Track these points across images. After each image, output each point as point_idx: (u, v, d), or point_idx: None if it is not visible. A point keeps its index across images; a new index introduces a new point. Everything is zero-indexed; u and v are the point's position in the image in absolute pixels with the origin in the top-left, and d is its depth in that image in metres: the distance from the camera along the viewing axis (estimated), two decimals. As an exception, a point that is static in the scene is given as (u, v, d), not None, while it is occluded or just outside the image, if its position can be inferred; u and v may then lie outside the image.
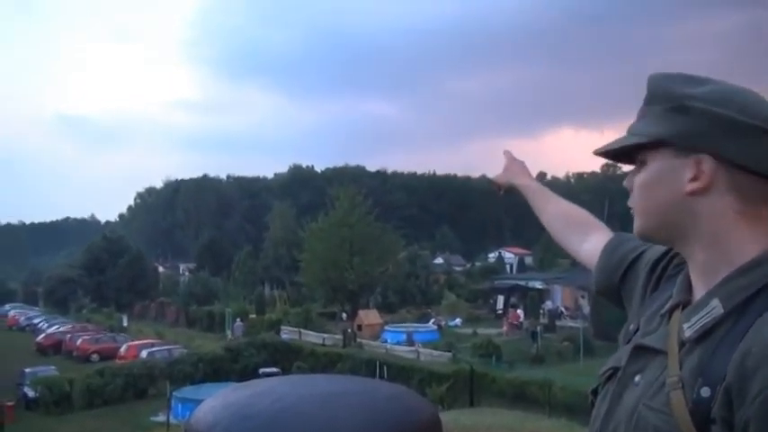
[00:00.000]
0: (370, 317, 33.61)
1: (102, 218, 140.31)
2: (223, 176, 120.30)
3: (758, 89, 0.94)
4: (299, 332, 30.80)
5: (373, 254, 35.11)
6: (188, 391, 20.03)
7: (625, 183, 1.01)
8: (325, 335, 30.03)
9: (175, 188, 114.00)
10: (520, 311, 34.53)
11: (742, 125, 0.87)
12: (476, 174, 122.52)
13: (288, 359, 24.97)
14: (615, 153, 1.01)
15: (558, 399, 17.62)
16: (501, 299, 40.28)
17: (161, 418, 19.19)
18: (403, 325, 33.32)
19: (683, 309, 0.93)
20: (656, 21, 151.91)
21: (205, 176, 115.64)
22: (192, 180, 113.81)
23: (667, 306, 0.96)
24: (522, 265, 68.23)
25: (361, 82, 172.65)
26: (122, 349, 29.18)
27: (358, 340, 28.90)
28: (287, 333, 31.13)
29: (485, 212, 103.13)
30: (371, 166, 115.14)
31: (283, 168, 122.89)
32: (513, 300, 38.69)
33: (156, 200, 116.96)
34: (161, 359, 25.09)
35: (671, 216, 0.93)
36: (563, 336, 27.90)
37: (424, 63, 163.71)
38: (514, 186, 1.61)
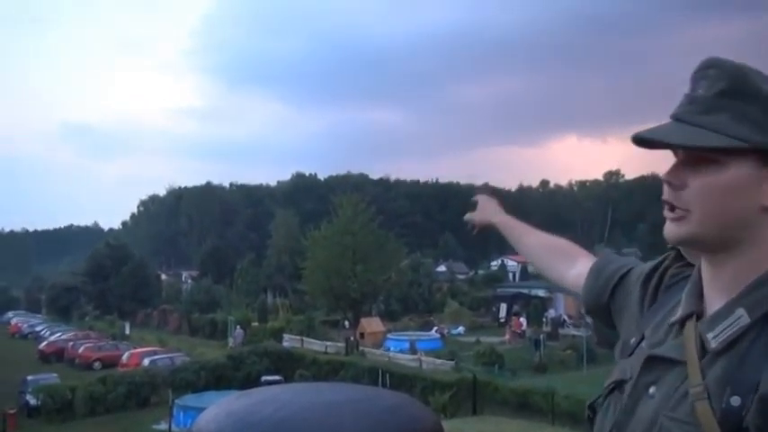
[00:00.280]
0: (372, 325, 33.55)
1: (106, 225, 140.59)
2: (226, 184, 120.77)
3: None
4: (302, 340, 30.76)
5: (376, 262, 35.08)
6: (190, 399, 19.99)
7: (670, 176, 0.90)
8: (328, 343, 29.99)
9: (178, 196, 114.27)
10: (522, 319, 34.45)
11: None
12: (479, 182, 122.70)
13: (290, 367, 24.92)
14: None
15: (561, 407, 17.54)
16: (504, 307, 40.19)
17: (163, 426, 19.17)
18: (405, 333, 33.27)
19: (697, 319, 0.91)
20: (658, 28, 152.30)
21: (208, 184, 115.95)
22: (195, 188, 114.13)
23: (677, 316, 0.94)
24: (524, 273, 67.97)
25: (365, 90, 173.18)
26: (125, 357, 29.15)
27: (360, 348, 28.84)
28: (288, 341, 31.08)
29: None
30: (374, 174, 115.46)
31: (286, 176, 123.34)
32: (515, 308, 38.60)
33: (160, 207, 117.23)
34: (163, 367, 25.06)
35: (735, 226, 0.87)
36: (566, 344, 27.84)
37: (428, 71, 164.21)
38: (491, 224, 1.65)
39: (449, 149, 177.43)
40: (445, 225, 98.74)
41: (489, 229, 1.67)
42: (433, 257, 68.63)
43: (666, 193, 0.90)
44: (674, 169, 0.89)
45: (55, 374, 25.80)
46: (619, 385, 0.98)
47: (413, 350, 27.37)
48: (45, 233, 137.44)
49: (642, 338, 1.00)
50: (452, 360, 24.61)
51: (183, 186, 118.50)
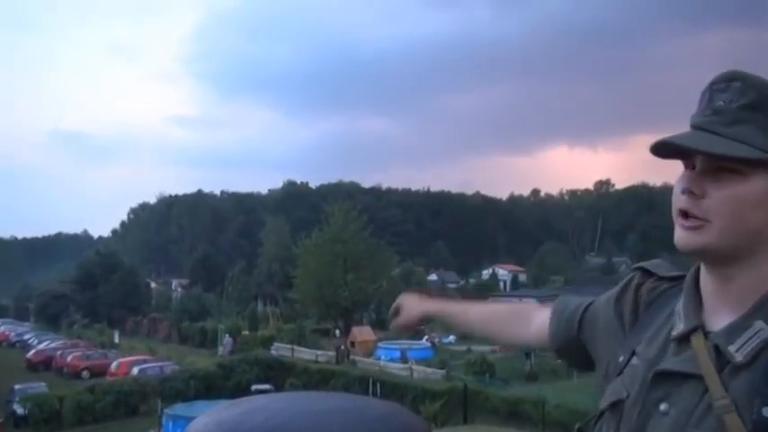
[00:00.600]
0: (363, 334, 33.46)
1: (96, 233, 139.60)
2: (217, 192, 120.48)
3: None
4: (293, 349, 30.63)
5: (367, 270, 35.05)
6: (180, 409, 19.80)
7: (691, 185, 0.88)
8: (319, 351, 29.88)
9: (169, 203, 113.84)
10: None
11: None
12: (470, 190, 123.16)
13: (281, 376, 24.80)
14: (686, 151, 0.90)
15: (551, 416, 17.54)
16: (495, 316, 40.19)
17: (152, 435, 18.99)
18: (396, 342, 33.18)
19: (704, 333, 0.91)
20: (650, 39, 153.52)
21: (199, 192, 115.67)
22: (186, 195, 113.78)
23: (680, 330, 0.93)
24: (515, 282, 68.19)
25: (357, 98, 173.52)
26: (113, 366, 28.91)
27: (351, 357, 28.75)
28: (275, 350, 30.92)
29: (479, 229, 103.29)
30: (366, 183, 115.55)
31: (278, 184, 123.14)
32: (507, 317, 38.63)
33: (150, 215, 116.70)
34: (152, 376, 24.87)
35: (751, 239, 0.87)
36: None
37: (420, 80, 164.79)
38: (427, 315, 1.57)
39: (440, 158, 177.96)
40: (437, 234, 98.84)
41: (421, 323, 1.61)
42: (424, 266, 68.70)
43: (684, 202, 0.89)
44: (695, 178, 0.88)
45: (43, 383, 25.55)
46: (614, 406, 0.96)
47: (404, 359, 27.32)
48: (34, 241, 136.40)
49: (632, 355, 0.99)
50: (443, 369, 24.58)
51: (173, 194, 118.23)
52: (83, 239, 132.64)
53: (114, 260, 58.81)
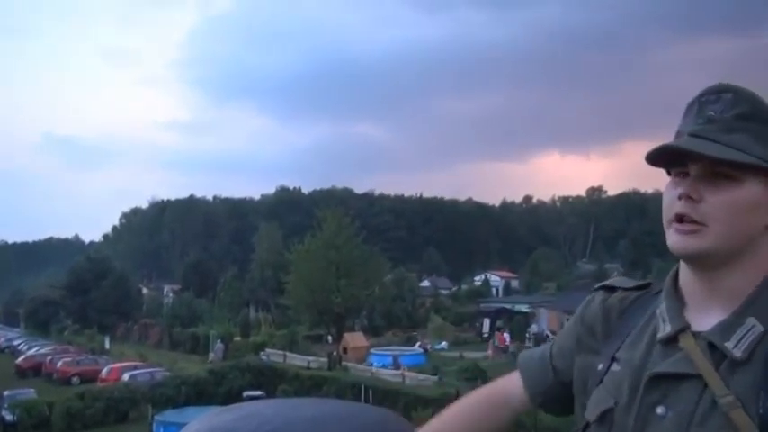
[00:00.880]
0: (355, 340, 33.40)
1: (87, 238, 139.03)
2: (210, 197, 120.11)
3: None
4: (284, 355, 30.53)
5: (360, 276, 35.02)
6: (170, 415, 19.70)
7: (689, 190, 0.91)
8: (311, 358, 29.78)
9: (161, 209, 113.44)
10: (506, 335, 34.51)
11: None
12: (463, 197, 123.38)
13: (272, 382, 24.71)
14: (673, 156, 0.94)
15: (544, 422, 17.53)
16: (487, 322, 40.25)
17: (143, 442, 18.88)
18: (389, 348, 33.16)
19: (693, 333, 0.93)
20: (643, 46, 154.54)
21: (192, 197, 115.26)
22: (178, 201, 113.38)
23: (667, 332, 0.94)
24: (508, 289, 68.32)
25: (349, 104, 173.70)
26: (104, 372, 28.73)
27: (343, 363, 28.67)
28: (265, 355, 30.79)
29: (472, 235, 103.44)
30: (359, 189, 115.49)
31: (270, 190, 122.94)
32: (499, 323, 38.67)
33: (142, 220, 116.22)
34: (143, 382, 24.73)
35: (745, 242, 0.91)
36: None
37: (413, 85, 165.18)
38: None
39: (433, 164, 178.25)
40: (429, 240, 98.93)
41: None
42: (416, 272, 68.65)
43: (682, 207, 0.91)
44: (692, 184, 0.91)
45: (32, 389, 25.37)
46: (602, 416, 0.96)
47: (396, 365, 27.27)
48: (24, 246, 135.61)
49: (612, 362, 1.00)
50: (435, 375, 24.55)
51: (165, 199, 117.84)
52: (74, 244, 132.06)
53: (105, 265, 58.53)
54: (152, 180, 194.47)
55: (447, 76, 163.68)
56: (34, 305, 57.32)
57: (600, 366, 1.01)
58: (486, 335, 38.08)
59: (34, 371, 33.32)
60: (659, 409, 0.90)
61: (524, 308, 40.27)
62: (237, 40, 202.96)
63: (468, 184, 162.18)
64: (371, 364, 28.61)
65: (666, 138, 0.98)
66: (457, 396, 18.64)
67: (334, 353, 29.99)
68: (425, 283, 68.32)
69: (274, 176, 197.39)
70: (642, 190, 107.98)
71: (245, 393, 21.13)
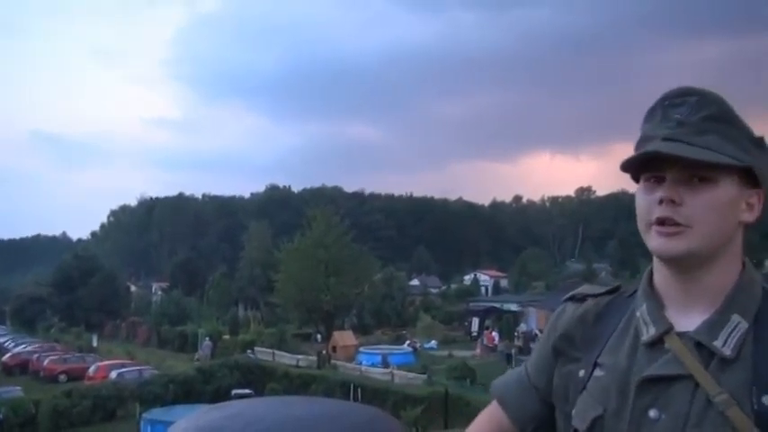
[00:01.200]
0: (345, 338, 33.38)
1: (75, 236, 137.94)
2: (199, 195, 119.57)
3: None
4: (273, 353, 30.47)
5: (349, 275, 34.99)
6: (158, 413, 19.58)
7: (670, 193, 0.92)
8: (300, 356, 29.73)
9: (150, 206, 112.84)
10: (495, 334, 34.60)
11: None
12: (453, 196, 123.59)
13: (261, 380, 24.64)
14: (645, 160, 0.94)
15: None
16: (476, 321, 40.33)
17: (130, 441, 18.79)
18: (378, 347, 33.14)
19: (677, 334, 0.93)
20: (633, 48, 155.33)
21: (181, 195, 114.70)
22: (167, 198, 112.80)
23: (651, 335, 0.95)
24: (497, 288, 68.48)
25: (340, 104, 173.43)
26: (91, 370, 28.55)
27: (332, 362, 28.65)
28: (251, 353, 30.68)
29: (461, 235, 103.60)
30: (349, 188, 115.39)
31: (260, 188, 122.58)
32: (488, 322, 38.76)
33: (131, 218, 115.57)
34: (131, 380, 24.59)
35: (724, 240, 0.94)
36: (538, 359, 27.97)
37: (404, 86, 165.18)
38: None
39: (423, 164, 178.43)
40: (419, 239, 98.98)
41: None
42: (406, 271, 68.68)
43: (663, 210, 0.92)
44: (671, 187, 0.92)
45: (18, 387, 25.18)
46: (593, 424, 0.96)
47: (385, 364, 27.27)
48: (11, 243, 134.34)
49: (594, 368, 0.99)
50: (424, 374, 24.57)
51: (154, 197, 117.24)
52: (61, 242, 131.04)
53: (93, 263, 58.16)
54: (141, 178, 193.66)
55: (438, 76, 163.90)
56: (21, 302, 56.82)
57: (581, 373, 1.01)
58: (475, 334, 38.15)
59: (21, 369, 33.06)
60: (652, 413, 0.90)
61: (513, 307, 40.36)
62: (227, 39, 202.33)
63: (458, 183, 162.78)
64: (360, 363, 28.59)
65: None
66: (446, 395, 18.56)
67: (323, 351, 29.96)
68: (415, 282, 68.37)
69: (264, 175, 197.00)
70: (631, 191, 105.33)
71: (234, 392, 21.07)
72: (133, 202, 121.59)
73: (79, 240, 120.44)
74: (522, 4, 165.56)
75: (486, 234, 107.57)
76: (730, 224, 0.93)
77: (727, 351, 0.88)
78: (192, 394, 23.29)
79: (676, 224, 0.91)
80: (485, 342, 33.50)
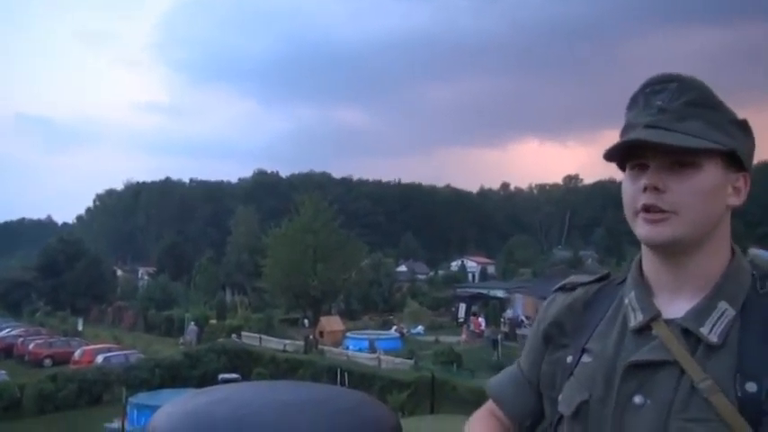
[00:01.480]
0: (332, 324, 33.44)
1: (60, 219, 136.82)
2: (186, 180, 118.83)
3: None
4: (260, 338, 30.48)
5: (337, 261, 35.00)
6: (145, 398, 19.57)
7: (654, 180, 0.92)
8: (287, 341, 29.76)
9: (137, 191, 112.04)
10: (481, 319, 34.80)
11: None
12: (441, 183, 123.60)
13: (248, 365, 24.66)
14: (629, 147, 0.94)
15: None
16: (463, 307, 40.50)
17: (116, 425, 18.72)
18: (365, 332, 33.25)
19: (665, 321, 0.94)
20: (623, 36, 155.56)
21: (168, 180, 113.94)
22: (154, 183, 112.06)
23: (639, 321, 0.95)
24: (484, 275, 68.76)
25: (329, 89, 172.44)
26: (77, 354, 28.44)
27: (319, 347, 28.71)
28: (237, 337, 30.63)
29: (449, 221, 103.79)
30: (337, 174, 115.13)
31: (248, 173, 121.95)
32: (474, 308, 38.95)
33: (117, 202, 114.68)
34: (117, 364, 24.53)
35: (710, 225, 0.94)
36: (523, 344, 27.98)
37: (393, 72, 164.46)
38: None
39: (412, 150, 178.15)
40: (407, 225, 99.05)
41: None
42: (394, 257, 68.77)
43: (648, 198, 0.92)
44: (655, 174, 0.92)
45: (3, 371, 25.00)
46: (578, 409, 0.97)
47: (372, 349, 27.38)
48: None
49: (582, 354, 1.00)
50: (411, 359, 24.70)
51: (141, 181, 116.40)
52: (47, 225, 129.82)
53: (79, 247, 57.70)
54: (127, 162, 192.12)
55: (428, 62, 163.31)
56: (5, 286, 56.35)
57: (569, 359, 1.01)
58: (461, 320, 38.34)
59: (5, 353, 32.87)
60: (637, 399, 0.90)
61: (500, 293, 40.57)
62: (216, 23, 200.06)
63: (446, 170, 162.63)
64: (347, 348, 28.69)
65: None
66: (432, 380, 18.59)
67: (311, 336, 30.02)
68: (402, 268, 68.51)
69: (252, 160, 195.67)
70: (618, 179, 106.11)
71: (221, 376, 21.02)
72: (119, 187, 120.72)
73: (65, 224, 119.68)
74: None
75: (474, 221, 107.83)
76: (716, 209, 0.93)
77: (714, 338, 0.89)
78: (179, 379, 23.27)
79: (662, 211, 0.91)
80: (471, 328, 33.68)
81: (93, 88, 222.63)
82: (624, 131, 0.97)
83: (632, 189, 0.95)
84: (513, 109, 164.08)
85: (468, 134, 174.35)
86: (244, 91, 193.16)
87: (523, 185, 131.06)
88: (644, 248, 1.00)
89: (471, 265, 74.44)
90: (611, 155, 0.96)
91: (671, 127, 0.92)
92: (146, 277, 66.01)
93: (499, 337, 28.36)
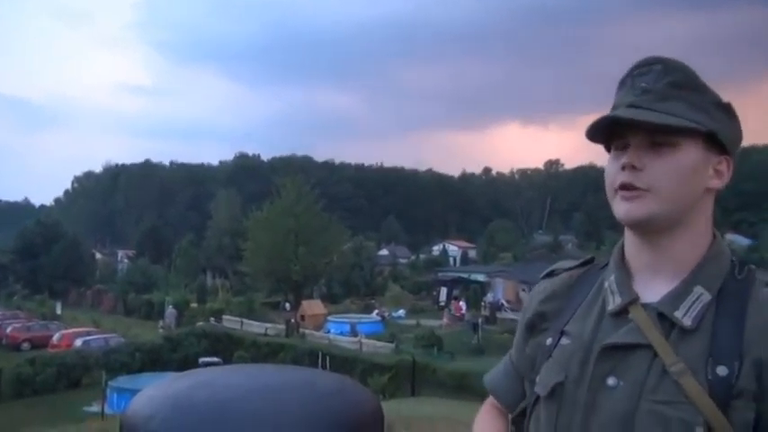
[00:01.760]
0: (313, 307, 33.47)
1: (37, 202, 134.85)
2: (167, 163, 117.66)
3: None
4: (242, 322, 30.44)
5: (318, 244, 34.95)
6: (125, 381, 19.50)
7: (632, 159, 0.93)
8: (268, 325, 29.77)
9: (116, 173, 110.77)
10: (462, 303, 35.05)
11: (741, 141, 0.99)
12: (423, 167, 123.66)
13: (229, 349, 24.64)
14: (610, 125, 0.95)
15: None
16: (444, 291, 40.75)
17: (95, 408, 18.65)
18: (347, 316, 33.34)
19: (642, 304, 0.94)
20: (605, 20, 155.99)
21: (147, 162, 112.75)
22: (133, 165, 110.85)
23: (618, 304, 0.96)
24: (465, 259, 69.13)
25: (311, 72, 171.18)
26: (55, 338, 28.20)
27: (301, 331, 28.76)
28: (216, 321, 30.55)
29: (431, 206, 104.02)
30: (319, 157, 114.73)
31: (229, 156, 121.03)
32: (455, 292, 39.21)
33: (96, 185, 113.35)
34: (96, 348, 24.37)
35: (687, 206, 0.94)
36: (503, 328, 28.44)
37: (375, 55, 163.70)
38: None
39: (394, 133, 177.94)
40: (389, 209, 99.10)
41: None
42: (375, 241, 68.85)
43: (626, 176, 0.93)
44: (633, 153, 0.93)
45: (-20, 355, 24.75)
46: (553, 390, 0.98)
47: (353, 333, 27.48)
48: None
49: (561, 336, 1.01)
50: (392, 343, 24.84)
51: (120, 164, 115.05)
52: (23, 208, 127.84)
53: (57, 230, 56.96)
54: (107, 144, 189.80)
55: (411, 46, 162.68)
56: (-19, 270, 55.58)
57: (549, 341, 1.03)
58: (442, 303, 38.58)
59: (-18, 337, 32.49)
60: (610, 380, 0.91)
61: (481, 277, 40.85)
62: (199, 3, 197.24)
63: (428, 154, 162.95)
64: (329, 332, 28.76)
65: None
66: (413, 363, 18.66)
67: (292, 320, 30.03)
68: (384, 252, 68.64)
69: (233, 143, 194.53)
70: (599, 164, 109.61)
71: (202, 360, 21.00)
72: (98, 169, 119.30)
73: (42, 207, 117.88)
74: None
75: (456, 205, 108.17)
76: (694, 189, 0.94)
77: (688, 322, 0.90)
78: (159, 363, 23.20)
79: (639, 189, 0.92)
80: (452, 311, 33.91)
81: (72, 68, 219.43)
82: (610, 113, 0.98)
83: (613, 168, 0.96)
84: (495, 92, 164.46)
85: (450, 118, 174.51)
86: (226, 73, 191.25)
87: (505, 170, 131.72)
88: (626, 231, 1.00)
89: (453, 249, 74.77)
90: (591, 134, 0.98)
91: (652, 107, 0.92)
92: (125, 261, 65.49)
93: (479, 320, 28.59)
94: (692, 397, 0.85)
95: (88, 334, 28.07)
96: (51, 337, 28.68)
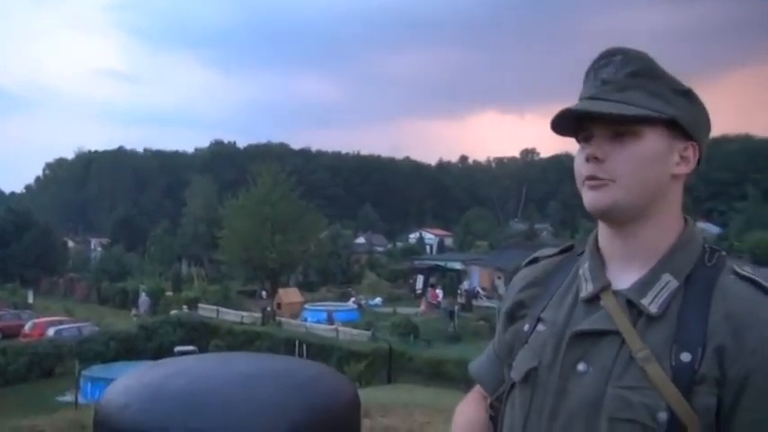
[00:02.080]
0: (290, 295, 33.40)
1: (7, 189, 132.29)
2: (140, 150, 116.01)
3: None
4: (217, 310, 30.28)
5: (295, 232, 34.87)
6: (98, 371, 19.32)
7: (594, 150, 0.95)
8: (244, 313, 29.64)
9: (88, 160, 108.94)
10: (439, 291, 35.24)
11: (709, 127, 0.99)
12: (401, 155, 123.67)
13: (205, 338, 24.51)
14: (579, 118, 0.97)
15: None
16: (421, 279, 40.92)
17: (68, 398, 18.45)
18: (323, 304, 33.32)
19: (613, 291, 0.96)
20: (584, 9, 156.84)
21: (120, 149, 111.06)
22: (106, 152, 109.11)
23: (590, 291, 0.98)
24: (441, 247, 69.46)
25: (288, 59, 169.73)
26: (27, 327, 27.78)
27: (277, 319, 28.70)
28: (189, 309, 30.35)
29: (408, 194, 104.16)
30: (296, 145, 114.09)
31: (204, 144, 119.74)
32: (432, 280, 39.40)
33: (68, 172, 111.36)
34: (69, 337, 24.06)
35: (652, 193, 0.94)
36: (479, 315, 28.68)
37: (353, 42, 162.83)
38: None
39: (371, 121, 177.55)
40: (365, 197, 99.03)
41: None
42: (352, 229, 68.81)
43: (589, 168, 0.95)
44: (595, 145, 0.95)
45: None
46: (527, 375, 0.99)
47: (330, 321, 27.49)
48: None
49: (537, 322, 1.03)
50: (369, 331, 24.90)
51: (93, 150, 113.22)
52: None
53: (27, 217, 55.97)
54: (79, 130, 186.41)
55: (389, 33, 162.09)
56: (-50, 258, 54.44)
57: (526, 327, 1.04)
58: (419, 291, 38.75)
59: (-49, 326, 31.88)
60: (580, 366, 0.93)
61: (457, 265, 41.10)
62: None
63: (406, 142, 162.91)
64: (306, 320, 28.74)
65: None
66: (389, 351, 18.68)
67: (268, 308, 29.95)
68: (361, 240, 68.65)
69: (209, 130, 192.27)
70: (574, 153, 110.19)
71: (177, 349, 20.86)
72: (70, 156, 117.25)
73: (12, 194, 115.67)
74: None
75: (432, 193, 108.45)
76: (658, 177, 0.95)
77: (654, 309, 0.91)
78: (134, 352, 23.00)
79: (600, 179, 0.94)
80: (429, 299, 34.08)
81: (45, 52, 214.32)
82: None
83: (579, 160, 0.98)
84: (472, 81, 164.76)
85: (427, 106, 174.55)
86: (201, 59, 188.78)
87: (482, 158, 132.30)
88: (598, 220, 1.02)
89: (429, 237, 75.05)
90: (555, 128, 1.00)
91: (610, 98, 0.94)
92: (99, 249, 64.63)
93: (456, 308, 28.77)
94: (656, 383, 0.86)
95: (61, 323, 27.69)
96: (23, 326, 28.25)
